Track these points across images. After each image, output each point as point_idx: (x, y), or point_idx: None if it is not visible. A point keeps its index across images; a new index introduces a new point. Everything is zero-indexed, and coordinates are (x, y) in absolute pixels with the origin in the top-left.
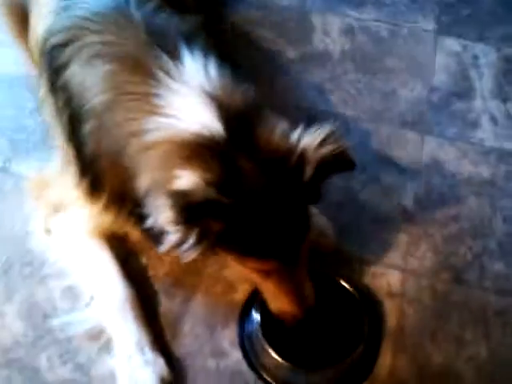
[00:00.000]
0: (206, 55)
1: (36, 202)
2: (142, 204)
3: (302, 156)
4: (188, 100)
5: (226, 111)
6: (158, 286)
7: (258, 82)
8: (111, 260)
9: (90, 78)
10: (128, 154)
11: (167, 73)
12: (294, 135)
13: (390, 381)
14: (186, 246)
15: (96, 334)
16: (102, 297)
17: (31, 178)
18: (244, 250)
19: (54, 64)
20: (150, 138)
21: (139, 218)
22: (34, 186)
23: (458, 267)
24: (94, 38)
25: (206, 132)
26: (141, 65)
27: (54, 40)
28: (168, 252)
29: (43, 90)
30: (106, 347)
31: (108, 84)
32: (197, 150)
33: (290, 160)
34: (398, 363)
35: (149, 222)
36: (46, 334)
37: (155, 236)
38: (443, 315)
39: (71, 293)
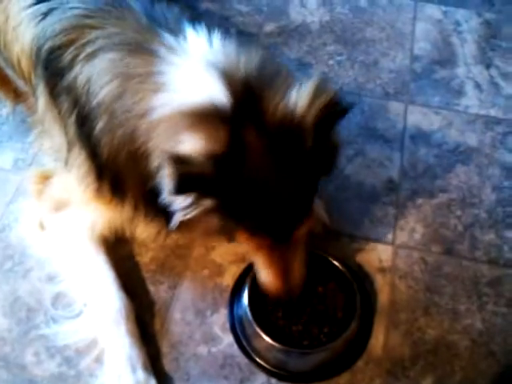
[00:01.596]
0: (209, 29)
1: (36, 198)
2: (156, 181)
3: (300, 123)
4: (191, 72)
5: (232, 81)
6: (144, 273)
7: None
8: (107, 267)
9: (95, 72)
10: (139, 138)
11: (170, 49)
12: (291, 101)
13: (384, 357)
14: (184, 210)
15: (87, 347)
16: (95, 306)
17: (31, 172)
18: (236, 222)
19: (53, 68)
20: (157, 115)
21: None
22: (35, 181)
23: (448, 239)
24: (97, 33)
25: (211, 102)
26: (143, 46)
27: (51, 44)
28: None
29: (42, 99)
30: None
31: (113, 72)
32: (204, 118)
33: (292, 130)
34: (391, 339)
35: (162, 198)
36: (32, 328)
37: (168, 214)
38: (435, 288)
39: (62, 299)
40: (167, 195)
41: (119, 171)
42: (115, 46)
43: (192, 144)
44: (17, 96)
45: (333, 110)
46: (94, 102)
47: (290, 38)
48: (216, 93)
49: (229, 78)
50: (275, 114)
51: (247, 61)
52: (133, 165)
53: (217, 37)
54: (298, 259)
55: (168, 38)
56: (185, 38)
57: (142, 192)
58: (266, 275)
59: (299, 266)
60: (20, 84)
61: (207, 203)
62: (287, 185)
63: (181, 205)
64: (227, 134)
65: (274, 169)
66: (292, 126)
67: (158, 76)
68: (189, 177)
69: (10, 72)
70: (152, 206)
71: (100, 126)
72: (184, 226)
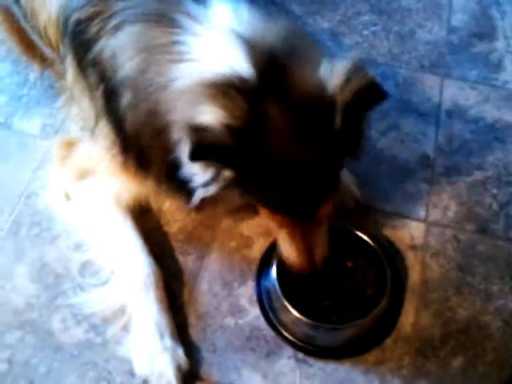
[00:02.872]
0: None
1: (60, 165)
2: (176, 155)
3: (332, 101)
4: (215, 42)
5: (257, 52)
6: (172, 243)
7: None
8: (135, 234)
9: (120, 45)
10: (161, 111)
11: (193, 18)
12: (322, 77)
13: (414, 336)
14: (204, 186)
15: (114, 315)
16: (123, 273)
17: (57, 139)
18: (258, 198)
19: (80, 40)
20: (178, 86)
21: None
22: (60, 147)
23: (482, 217)
24: (121, 4)
25: (234, 73)
26: (166, 16)
27: (77, 16)
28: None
29: (71, 70)
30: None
31: (136, 46)
32: (224, 90)
33: (321, 107)
34: (422, 318)
35: (182, 172)
36: (59, 294)
37: (189, 189)
38: (468, 268)
39: (90, 266)
40: (186, 165)
41: (143, 147)
42: (139, 17)
43: (211, 116)
44: (43, 61)
45: (368, 94)
46: (119, 77)
47: (323, 6)
48: (239, 64)
49: (253, 49)
50: (302, 89)
51: (274, 32)
52: (156, 140)
53: (243, 7)
54: (321, 236)
55: (191, 6)
56: (209, 6)
57: (165, 168)
58: (288, 251)
59: (322, 243)
60: (47, 51)
61: (226, 176)
62: (310, 163)
63: (201, 180)
64: (248, 108)
65: (296, 146)
66: (321, 104)
67: (180, 46)
68: (205, 144)
69: (36, 38)
70: (174, 181)
71: (125, 101)
72: (207, 202)
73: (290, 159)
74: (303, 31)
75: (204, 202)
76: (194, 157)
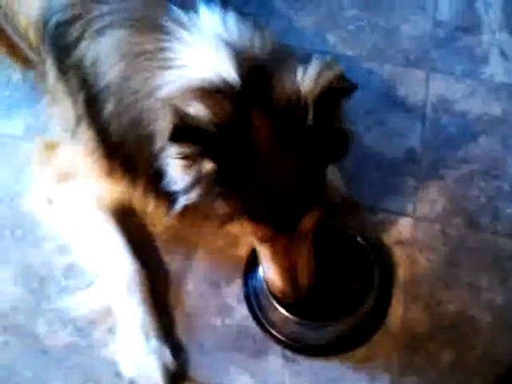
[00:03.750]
0: (223, 5)
1: (40, 167)
2: (159, 164)
3: (305, 102)
4: (202, 49)
5: (243, 60)
6: (157, 243)
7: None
8: (118, 235)
9: (103, 51)
10: (146, 118)
11: (180, 24)
12: (297, 81)
13: (402, 331)
14: (186, 191)
15: (100, 317)
16: (107, 275)
17: (37, 140)
18: (237, 204)
19: (60, 43)
20: (164, 92)
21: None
22: (40, 149)
23: (470, 211)
24: (104, 8)
25: (221, 80)
26: (152, 22)
27: (58, 18)
28: (181, 208)
29: (52, 73)
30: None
31: (120, 53)
32: (210, 94)
33: (297, 110)
34: (410, 313)
35: (165, 182)
36: (44, 298)
37: (171, 196)
38: (456, 262)
39: (74, 269)
40: (168, 169)
41: (129, 153)
42: (123, 22)
43: (197, 110)
44: (26, 62)
45: (335, 86)
46: (103, 84)
47: (308, 2)
48: (225, 71)
49: (240, 56)
50: (281, 95)
51: (259, 42)
52: (139, 151)
53: (231, 15)
54: (304, 255)
55: (178, 12)
56: (197, 13)
57: (150, 177)
58: (271, 272)
59: (306, 263)
60: (29, 52)
61: (206, 170)
62: (290, 167)
63: (182, 184)
64: (233, 111)
65: (277, 149)
66: (297, 107)
67: (167, 53)
68: (188, 125)
69: (18, 40)
70: (159, 189)
71: (109, 109)
72: (189, 211)
73: (270, 162)
74: (287, 47)
75: (186, 209)
76: (176, 136)
